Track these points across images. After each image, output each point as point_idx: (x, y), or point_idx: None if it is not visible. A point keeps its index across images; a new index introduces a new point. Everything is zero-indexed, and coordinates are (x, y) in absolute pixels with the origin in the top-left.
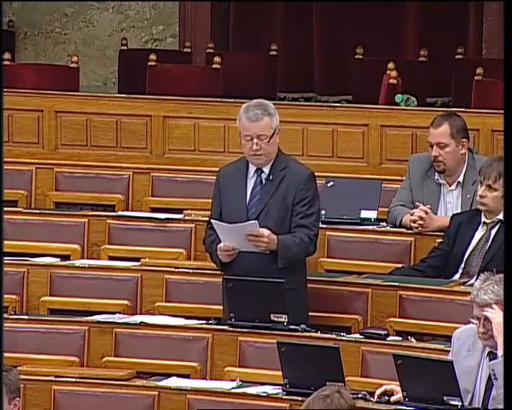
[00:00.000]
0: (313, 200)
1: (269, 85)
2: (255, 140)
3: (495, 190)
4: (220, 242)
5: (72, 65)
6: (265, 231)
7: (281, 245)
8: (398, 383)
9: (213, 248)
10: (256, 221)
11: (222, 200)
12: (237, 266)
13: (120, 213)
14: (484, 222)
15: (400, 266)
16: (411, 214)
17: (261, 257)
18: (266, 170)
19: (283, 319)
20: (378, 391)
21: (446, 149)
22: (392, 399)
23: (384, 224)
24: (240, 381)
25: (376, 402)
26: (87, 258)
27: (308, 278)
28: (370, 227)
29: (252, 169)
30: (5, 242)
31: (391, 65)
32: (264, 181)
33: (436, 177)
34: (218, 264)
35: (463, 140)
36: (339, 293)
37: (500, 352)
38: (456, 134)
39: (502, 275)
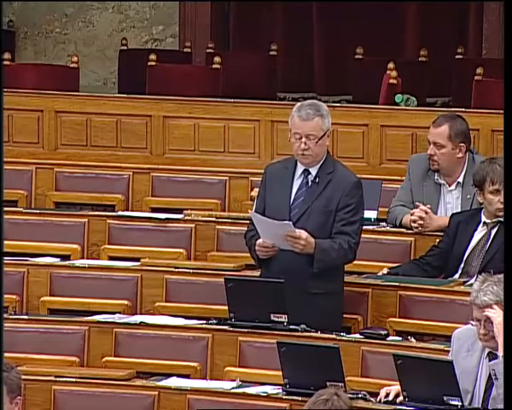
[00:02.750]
0: (357, 207)
1: (269, 85)
2: (304, 139)
3: None
4: (259, 237)
5: (72, 65)
6: (303, 234)
7: (318, 249)
8: (398, 383)
9: (252, 243)
10: (290, 222)
11: (267, 197)
12: (275, 265)
13: (120, 213)
14: (484, 222)
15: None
16: (411, 214)
17: (299, 258)
18: (313, 172)
19: (283, 319)
20: (390, 396)
21: (442, 151)
22: (399, 400)
23: (384, 224)
24: (240, 381)
25: (377, 402)
26: (87, 258)
27: None
28: (370, 227)
29: (299, 170)
30: (5, 242)
31: (391, 65)
32: (310, 183)
33: (436, 177)
34: (256, 259)
35: (461, 144)
36: None
37: (501, 352)
38: (455, 137)
39: (500, 276)
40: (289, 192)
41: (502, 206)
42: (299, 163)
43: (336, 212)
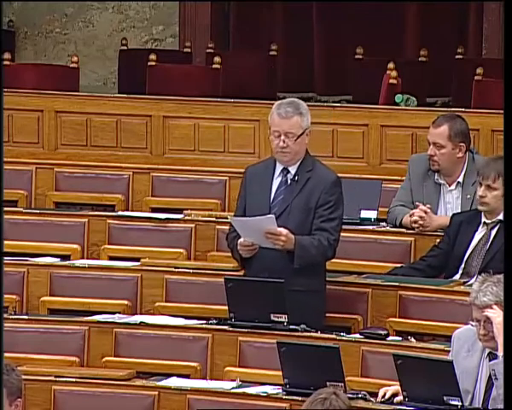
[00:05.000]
0: (337, 205)
1: (269, 85)
2: (282, 137)
3: (494, 190)
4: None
5: (72, 65)
6: (283, 230)
7: (298, 245)
8: (398, 383)
9: (234, 244)
10: (272, 215)
11: (247, 197)
12: (257, 264)
13: (120, 213)
14: (484, 222)
15: (399, 265)
16: (411, 215)
17: (281, 256)
18: (292, 170)
19: (283, 319)
20: (387, 395)
21: (442, 151)
22: (396, 399)
23: (384, 224)
24: (240, 381)
25: (377, 402)
26: (87, 258)
27: None
28: (370, 227)
29: (278, 169)
30: (5, 242)
31: (391, 65)
32: (289, 181)
33: (436, 177)
34: (239, 260)
35: (461, 144)
36: (339, 293)
37: (501, 352)
38: (455, 137)
39: (500, 276)
40: (269, 191)
41: (481, 200)
42: (278, 162)
43: (316, 209)
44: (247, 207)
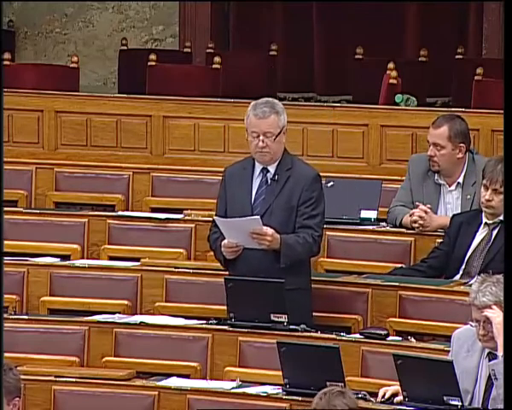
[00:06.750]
0: (318, 201)
1: (269, 85)
2: (261, 137)
3: (501, 194)
4: (224, 239)
5: (72, 65)
6: (269, 230)
7: (284, 244)
8: (398, 383)
9: (217, 245)
10: (258, 217)
11: (227, 199)
12: (242, 265)
13: (120, 213)
14: (485, 223)
15: (399, 266)
16: (411, 215)
17: (266, 256)
18: (272, 170)
19: (283, 319)
20: (387, 395)
21: (442, 151)
22: (396, 399)
23: (384, 224)
24: (240, 381)
25: (377, 402)
26: (87, 258)
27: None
28: (370, 227)
29: (257, 169)
30: (5, 242)
31: (391, 65)
32: (269, 181)
33: (436, 177)
34: (222, 261)
35: (461, 145)
36: (339, 293)
37: (500, 352)
38: (454, 138)
39: (499, 276)
40: (250, 192)
41: (487, 203)
42: (256, 162)
43: (298, 207)
44: (228, 209)
